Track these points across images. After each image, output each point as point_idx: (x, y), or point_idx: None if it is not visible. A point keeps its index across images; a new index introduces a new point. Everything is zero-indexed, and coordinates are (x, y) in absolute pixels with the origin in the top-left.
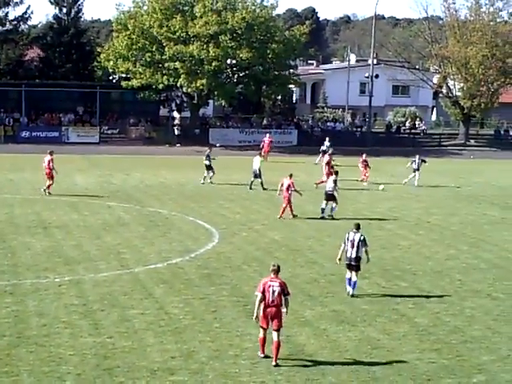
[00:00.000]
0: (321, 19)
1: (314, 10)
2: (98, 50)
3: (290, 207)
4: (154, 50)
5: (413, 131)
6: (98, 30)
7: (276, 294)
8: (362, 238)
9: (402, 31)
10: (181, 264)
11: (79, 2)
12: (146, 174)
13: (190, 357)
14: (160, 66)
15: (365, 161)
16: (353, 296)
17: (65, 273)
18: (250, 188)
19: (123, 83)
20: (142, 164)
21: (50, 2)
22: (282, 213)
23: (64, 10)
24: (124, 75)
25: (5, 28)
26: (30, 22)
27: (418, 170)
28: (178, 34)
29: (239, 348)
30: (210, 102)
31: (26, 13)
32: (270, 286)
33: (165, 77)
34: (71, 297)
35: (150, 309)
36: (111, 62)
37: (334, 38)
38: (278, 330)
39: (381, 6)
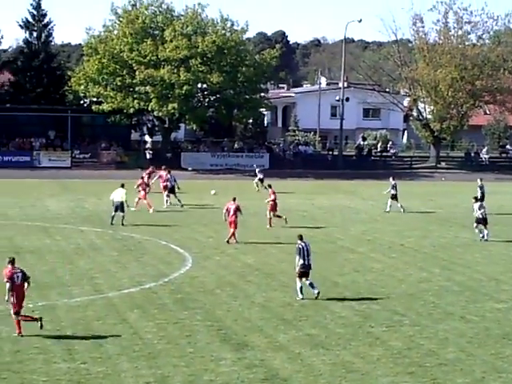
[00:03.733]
0: (291, 42)
1: (284, 33)
2: (69, 74)
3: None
4: (124, 74)
5: (384, 154)
6: (68, 54)
7: (20, 278)
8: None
9: (372, 54)
10: (154, 288)
11: (49, 26)
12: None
13: (164, 382)
14: (131, 89)
15: None
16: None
17: (38, 298)
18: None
19: (94, 107)
20: (114, 188)
21: (20, 27)
22: (231, 237)
23: (34, 35)
24: (95, 99)
25: None
26: (0, 47)
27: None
28: (148, 58)
29: (214, 373)
30: (182, 125)
31: None
32: (15, 273)
33: (136, 101)
34: (44, 322)
35: (123, 334)
36: (82, 86)
37: (305, 61)
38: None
39: (350, 30)
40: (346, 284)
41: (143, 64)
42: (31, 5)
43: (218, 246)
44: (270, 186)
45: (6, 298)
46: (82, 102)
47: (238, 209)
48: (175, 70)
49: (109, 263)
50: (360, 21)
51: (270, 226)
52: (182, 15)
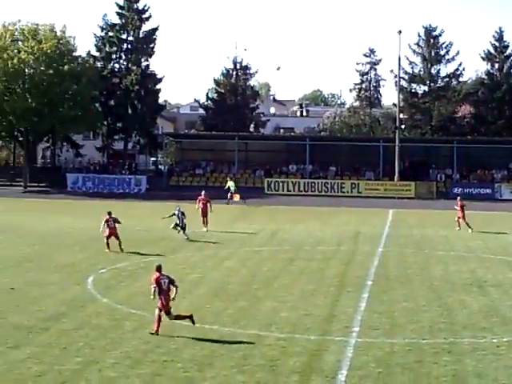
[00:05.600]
0: None
1: None
2: None
3: None
4: None
5: None
6: None
7: (167, 284)
8: None
9: None
10: None
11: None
12: None
13: None
14: None
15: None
16: None
17: (502, 333)
18: None
19: None
20: None
21: (482, 58)
22: None
23: (496, 66)
24: None
25: (437, 85)
26: (461, 79)
27: None
28: None
29: None
30: None
31: (457, 69)
32: (162, 279)
33: None
34: (510, 358)
35: None
36: None
37: None
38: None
39: None
40: None
41: None
42: (493, 36)
43: None
44: None
45: (152, 296)
46: None
47: None
48: None
49: None
50: None
51: None
52: None
